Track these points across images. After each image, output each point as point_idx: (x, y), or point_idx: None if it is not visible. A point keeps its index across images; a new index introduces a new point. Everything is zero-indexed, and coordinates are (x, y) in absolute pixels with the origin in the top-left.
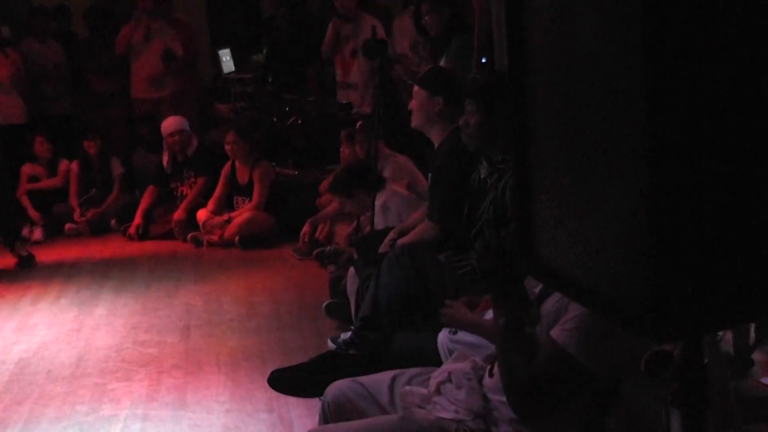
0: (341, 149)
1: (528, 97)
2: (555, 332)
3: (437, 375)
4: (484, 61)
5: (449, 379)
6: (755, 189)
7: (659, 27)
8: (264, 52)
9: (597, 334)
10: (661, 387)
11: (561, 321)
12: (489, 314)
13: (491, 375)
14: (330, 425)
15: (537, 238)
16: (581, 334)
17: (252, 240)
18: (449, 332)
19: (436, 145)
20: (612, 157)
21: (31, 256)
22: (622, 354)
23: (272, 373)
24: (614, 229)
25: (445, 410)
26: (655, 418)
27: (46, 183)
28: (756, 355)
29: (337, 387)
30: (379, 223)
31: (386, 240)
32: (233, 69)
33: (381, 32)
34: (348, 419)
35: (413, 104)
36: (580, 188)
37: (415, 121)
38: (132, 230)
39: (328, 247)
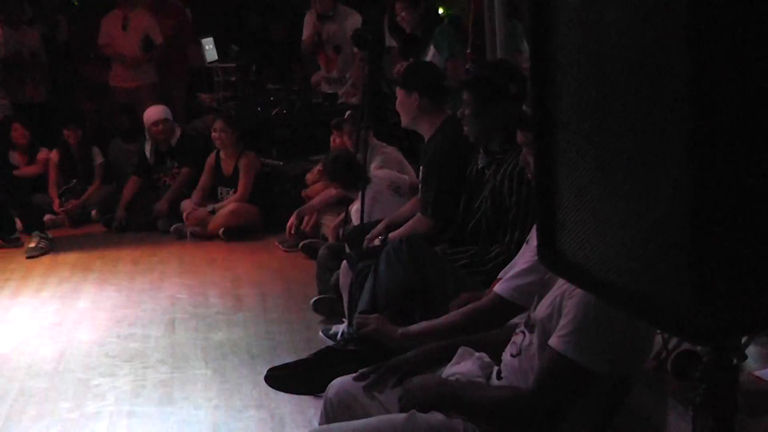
0: (332, 138)
1: (551, 79)
2: (553, 341)
3: (444, 377)
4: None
5: (457, 381)
6: None
7: (706, 9)
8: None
9: (594, 333)
10: (667, 387)
11: (557, 328)
12: None
13: (499, 378)
14: (334, 424)
15: (561, 235)
16: (578, 337)
17: (237, 232)
18: None
19: (426, 139)
20: (649, 148)
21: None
22: (622, 350)
23: (269, 371)
24: (650, 224)
25: None
26: (660, 417)
27: (24, 171)
28: (749, 349)
29: (340, 384)
30: (368, 217)
31: (373, 232)
32: (216, 58)
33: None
34: (351, 417)
35: (402, 104)
36: (609, 181)
37: (403, 121)
38: (116, 223)
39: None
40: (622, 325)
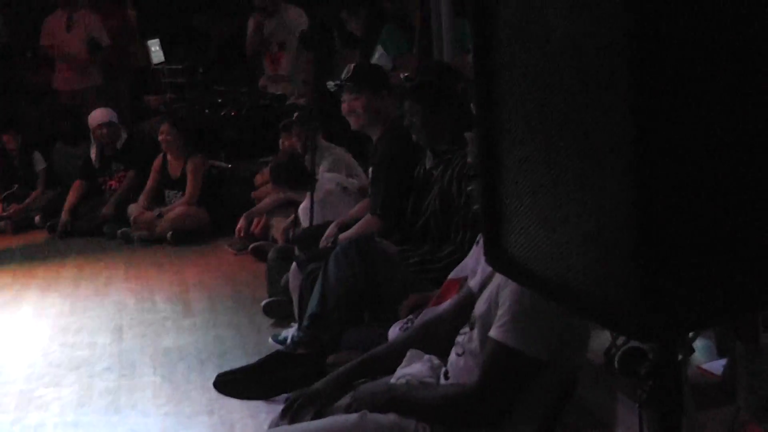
0: (281, 141)
1: (495, 85)
2: (492, 332)
3: (394, 381)
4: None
5: (406, 384)
6: (744, 183)
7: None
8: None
9: (532, 320)
10: (616, 382)
11: (495, 319)
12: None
13: (446, 378)
14: (288, 426)
15: (507, 234)
16: (517, 324)
17: (185, 235)
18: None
19: (374, 139)
20: (592, 147)
21: None
22: (562, 334)
23: (218, 376)
24: (595, 222)
25: None
26: (610, 412)
27: None
28: (696, 342)
29: None
30: (318, 218)
31: (326, 234)
32: (163, 59)
33: (305, 21)
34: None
35: (353, 106)
36: (555, 180)
37: (358, 123)
38: (60, 228)
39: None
40: (558, 310)
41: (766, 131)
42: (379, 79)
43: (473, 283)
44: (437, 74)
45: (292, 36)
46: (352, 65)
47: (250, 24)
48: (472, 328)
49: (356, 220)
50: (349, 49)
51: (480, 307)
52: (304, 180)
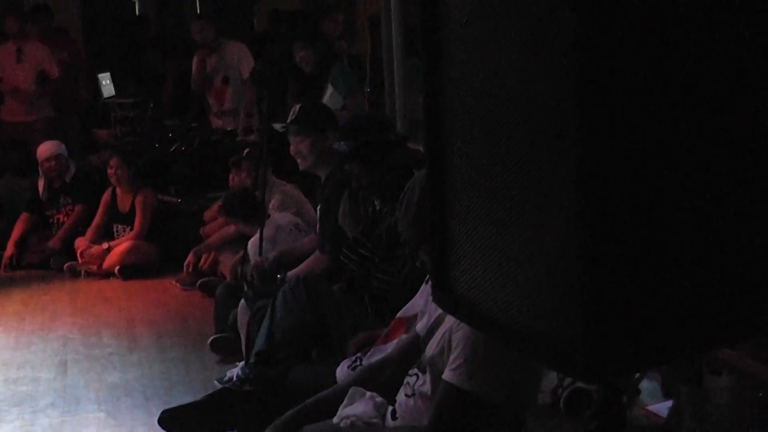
0: (231, 177)
1: (444, 125)
2: (446, 375)
3: (338, 422)
4: (368, 90)
5: (352, 426)
6: (691, 227)
7: (593, 50)
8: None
9: (486, 362)
10: (563, 423)
11: (449, 361)
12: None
13: (394, 418)
14: None
15: (455, 274)
16: (470, 367)
17: (133, 270)
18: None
19: (322, 178)
20: (540, 190)
21: None
22: (515, 376)
23: (163, 413)
24: (543, 264)
25: None
26: None
27: None
28: (643, 384)
29: None
30: (267, 255)
31: (270, 260)
32: (113, 93)
33: (247, 55)
34: None
35: (299, 148)
36: (503, 222)
37: (306, 164)
38: (5, 261)
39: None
40: (512, 353)
41: (713, 184)
42: (325, 120)
43: (420, 326)
44: (369, 131)
45: (234, 71)
46: (297, 106)
47: (195, 61)
48: (423, 372)
49: (301, 254)
50: (298, 86)
51: (431, 350)
52: (257, 213)
